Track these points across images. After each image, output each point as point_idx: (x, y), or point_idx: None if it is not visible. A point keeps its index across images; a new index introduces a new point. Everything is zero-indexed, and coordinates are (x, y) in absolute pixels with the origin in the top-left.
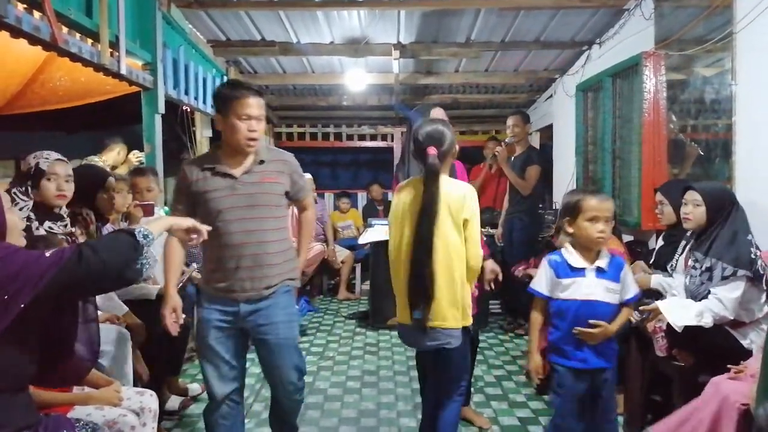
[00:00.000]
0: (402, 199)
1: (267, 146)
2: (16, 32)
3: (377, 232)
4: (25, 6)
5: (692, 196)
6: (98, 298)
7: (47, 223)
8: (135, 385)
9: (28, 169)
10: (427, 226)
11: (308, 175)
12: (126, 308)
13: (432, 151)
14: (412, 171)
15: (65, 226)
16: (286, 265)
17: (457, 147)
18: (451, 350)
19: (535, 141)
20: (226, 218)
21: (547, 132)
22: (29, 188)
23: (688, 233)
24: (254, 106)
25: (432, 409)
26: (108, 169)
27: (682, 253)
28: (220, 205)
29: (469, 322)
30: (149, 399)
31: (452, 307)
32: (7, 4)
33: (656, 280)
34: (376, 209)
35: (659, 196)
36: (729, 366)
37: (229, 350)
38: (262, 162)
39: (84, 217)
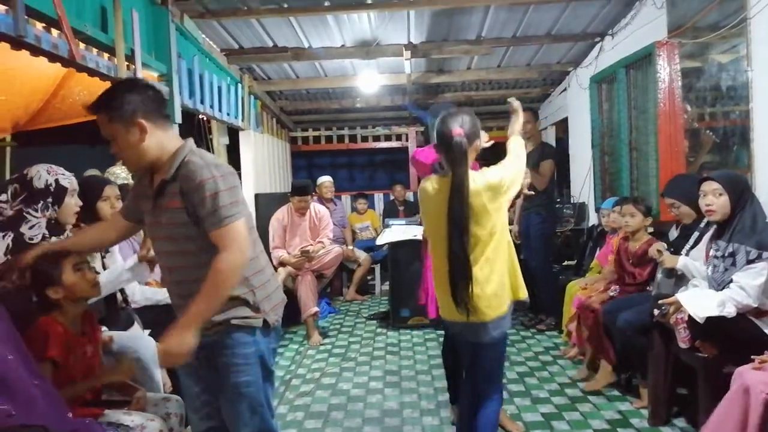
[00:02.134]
0: (431, 196)
1: (186, 157)
2: (36, 50)
3: (395, 232)
4: (43, 25)
5: (711, 186)
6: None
7: (54, 239)
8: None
9: (46, 186)
10: (460, 215)
11: (328, 178)
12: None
13: (458, 131)
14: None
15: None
16: (229, 304)
17: (484, 138)
18: (498, 337)
19: (551, 135)
20: (155, 249)
21: (562, 125)
22: (50, 205)
23: (702, 224)
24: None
25: (470, 406)
26: (112, 179)
27: (694, 243)
28: (150, 233)
29: (522, 295)
30: (175, 405)
31: (501, 293)
32: (26, 24)
33: (683, 261)
34: (397, 209)
35: (668, 200)
36: (753, 356)
37: (199, 382)
38: (172, 180)
39: None
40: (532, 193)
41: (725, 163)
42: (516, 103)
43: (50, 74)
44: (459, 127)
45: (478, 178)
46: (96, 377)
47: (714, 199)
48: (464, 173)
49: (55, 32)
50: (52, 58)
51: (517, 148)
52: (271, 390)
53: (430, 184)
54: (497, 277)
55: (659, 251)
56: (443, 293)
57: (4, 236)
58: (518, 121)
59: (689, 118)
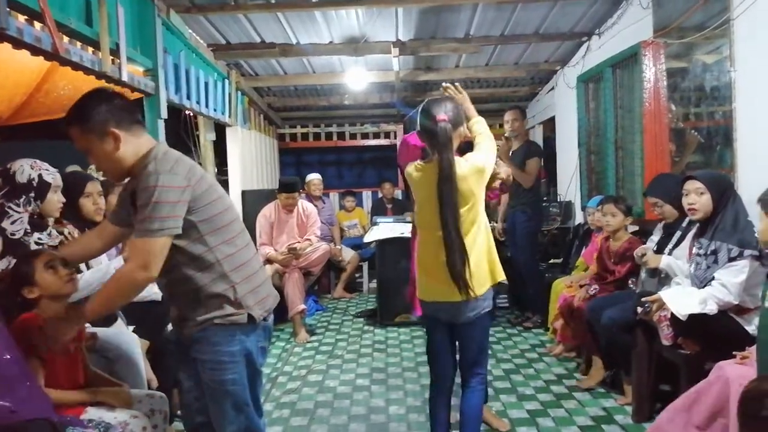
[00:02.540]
0: (416, 180)
1: (148, 163)
2: (18, 44)
3: (383, 230)
4: (26, 17)
5: (694, 185)
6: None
7: (36, 235)
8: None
9: (29, 181)
10: (451, 198)
11: (316, 175)
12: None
13: (441, 116)
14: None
15: (49, 235)
16: (211, 302)
17: (466, 126)
18: (481, 316)
19: (538, 134)
20: None
21: (549, 124)
22: (32, 200)
23: (685, 223)
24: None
25: (446, 418)
26: (95, 175)
27: (677, 242)
28: None
29: (500, 277)
30: (159, 401)
31: (485, 271)
32: (8, 17)
33: (666, 261)
34: (385, 207)
35: (651, 199)
36: (735, 353)
37: (191, 378)
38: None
39: (66, 237)
40: (510, 179)
41: (709, 163)
42: (451, 88)
43: (33, 68)
44: (443, 113)
45: (463, 164)
46: (90, 393)
47: (696, 197)
48: (451, 158)
49: (38, 25)
50: (35, 51)
51: (483, 128)
52: (259, 389)
53: (414, 168)
54: (481, 256)
55: (642, 254)
56: (430, 276)
57: None
58: (466, 102)
59: (674, 117)
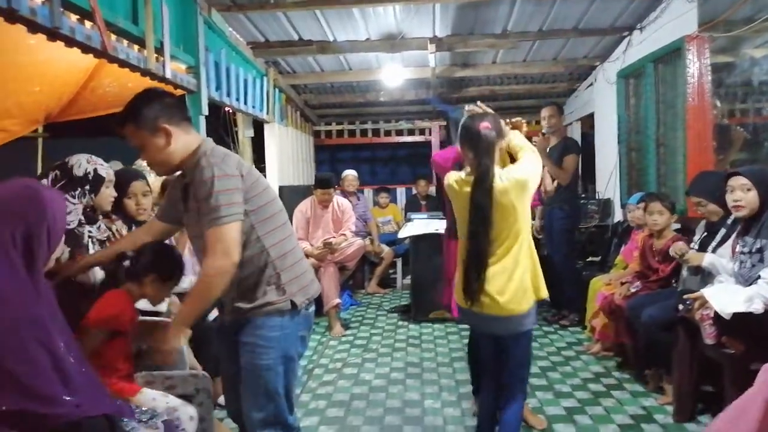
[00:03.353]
0: (456, 191)
1: (199, 158)
2: (70, 42)
3: (416, 226)
4: (77, 17)
5: (739, 181)
6: None
7: (87, 228)
8: None
9: (85, 174)
10: (483, 204)
11: (352, 171)
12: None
13: (485, 124)
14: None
15: (99, 228)
16: (257, 289)
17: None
18: (521, 333)
19: (576, 130)
20: (193, 248)
21: (588, 121)
22: (87, 193)
23: (729, 221)
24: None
25: (491, 402)
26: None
27: (721, 240)
28: (188, 233)
29: (544, 294)
30: (203, 380)
31: (528, 288)
32: (61, 16)
33: (709, 259)
34: (419, 204)
35: (695, 198)
36: None
37: (233, 363)
38: (191, 182)
39: (113, 233)
40: (552, 188)
41: (756, 160)
42: (517, 122)
43: (82, 66)
44: (486, 122)
45: (504, 176)
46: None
47: (742, 194)
48: (490, 165)
49: (88, 24)
50: (85, 49)
51: (523, 141)
52: (292, 381)
53: (454, 179)
54: (520, 274)
55: (681, 252)
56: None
57: None
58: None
59: (719, 113)
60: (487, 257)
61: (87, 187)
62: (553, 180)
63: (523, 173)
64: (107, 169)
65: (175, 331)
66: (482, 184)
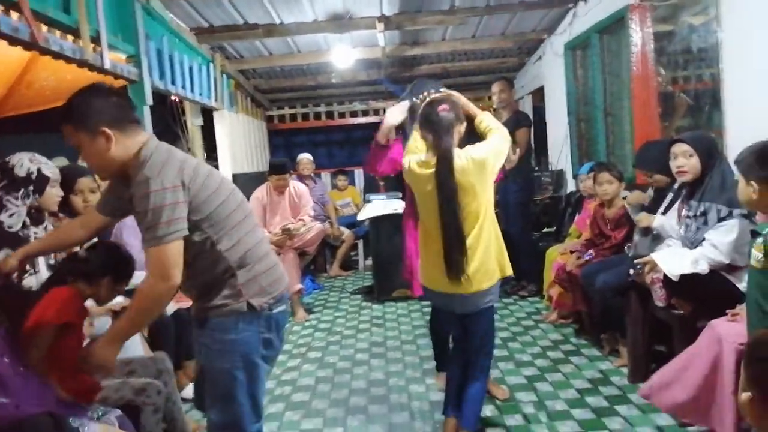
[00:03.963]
0: (417, 173)
1: (143, 161)
2: None
3: (376, 207)
4: (2, 8)
5: (681, 148)
6: None
7: (33, 229)
8: None
9: (28, 174)
10: (449, 186)
11: (306, 155)
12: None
13: (444, 107)
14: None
15: (45, 229)
16: (210, 290)
17: (476, 124)
18: (486, 309)
19: (528, 104)
20: None
21: (539, 94)
22: (31, 194)
23: (676, 186)
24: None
25: (459, 378)
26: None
27: (669, 205)
28: None
29: (509, 271)
30: (164, 362)
31: (492, 265)
32: None
33: (659, 220)
34: (378, 184)
35: (641, 177)
36: (727, 310)
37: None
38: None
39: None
40: (515, 158)
41: (699, 125)
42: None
43: (14, 59)
44: (445, 104)
45: (463, 155)
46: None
47: (685, 160)
48: (450, 147)
49: (15, 15)
50: (13, 41)
51: (493, 122)
52: (257, 387)
53: (414, 161)
54: (485, 250)
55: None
56: (433, 267)
57: None
58: (464, 102)
59: (662, 81)
60: (464, 234)
61: (31, 187)
62: (515, 151)
63: (481, 153)
64: (52, 168)
65: (105, 344)
66: (445, 163)
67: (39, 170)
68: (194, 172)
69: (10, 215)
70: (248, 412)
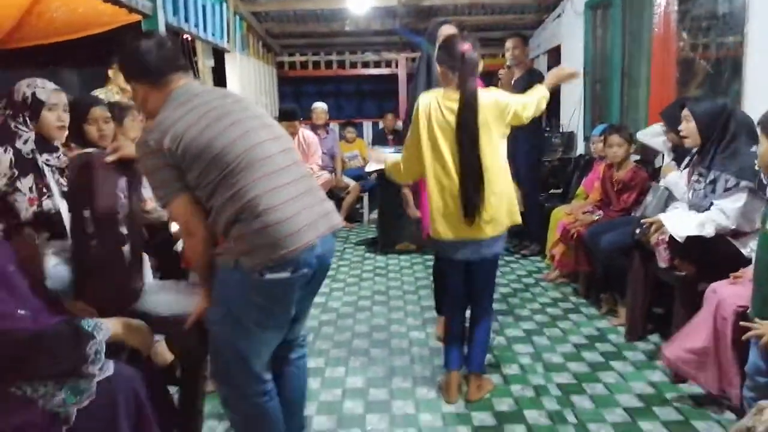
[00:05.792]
0: (436, 109)
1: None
2: None
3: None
4: None
5: (684, 111)
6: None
7: (45, 156)
8: None
9: (24, 99)
10: (472, 126)
11: (321, 104)
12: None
13: (467, 46)
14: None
15: (58, 158)
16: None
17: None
18: (496, 255)
19: (543, 64)
20: None
21: (555, 54)
22: (28, 119)
23: (693, 151)
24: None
25: (462, 326)
26: (103, 99)
27: (687, 164)
28: None
29: (518, 219)
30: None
31: (504, 212)
32: None
33: (675, 177)
34: (386, 138)
35: (662, 128)
36: (730, 274)
37: None
38: None
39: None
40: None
41: (715, 94)
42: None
43: None
44: (468, 44)
45: (485, 95)
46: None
47: (686, 124)
48: (475, 89)
49: None
50: None
51: (540, 94)
52: (244, 346)
53: (434, 95)
54: (501, 196)
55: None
56: (447, 214)
57: (5, 150)
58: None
59: (683, 46)
60: (483, 175)
61: (27, 113)
62: None
63: (503, 98)
64: (49, 92)
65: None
66: (470, 106)
67: (33, 94)
68: (181, 138)
69: (25, 142)
70: (238, 369)
